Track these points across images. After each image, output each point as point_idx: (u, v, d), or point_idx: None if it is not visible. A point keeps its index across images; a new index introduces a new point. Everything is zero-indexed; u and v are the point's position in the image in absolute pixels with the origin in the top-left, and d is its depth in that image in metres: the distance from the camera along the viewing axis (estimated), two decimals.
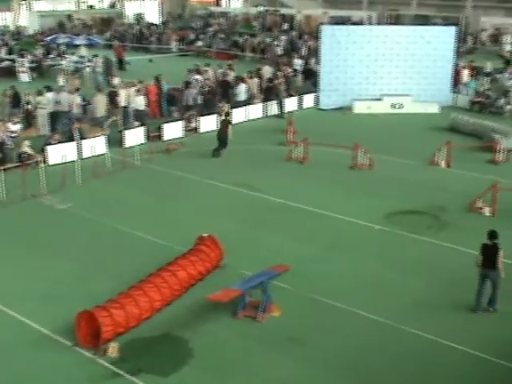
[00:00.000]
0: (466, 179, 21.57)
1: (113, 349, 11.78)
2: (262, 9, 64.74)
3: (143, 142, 25.04)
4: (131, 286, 13.27)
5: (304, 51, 43.50)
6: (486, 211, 18.52)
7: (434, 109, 32.06)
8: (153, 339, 12.32)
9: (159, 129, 26.48)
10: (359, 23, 53.29)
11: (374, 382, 11.23)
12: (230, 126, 24.62)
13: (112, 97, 27.92)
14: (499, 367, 11.62)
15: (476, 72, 35.98)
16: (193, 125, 27.63)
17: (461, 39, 46.04)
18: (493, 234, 13.49)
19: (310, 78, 35.21)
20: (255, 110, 30.47)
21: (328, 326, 12.88)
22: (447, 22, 50.56)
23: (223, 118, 25.30)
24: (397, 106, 32.02)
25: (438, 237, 17.04)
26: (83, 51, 43.10)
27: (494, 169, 22.66)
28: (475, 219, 18.22)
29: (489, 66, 37.17)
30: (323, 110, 32.62)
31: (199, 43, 52.02)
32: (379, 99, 32.40)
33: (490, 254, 13.28)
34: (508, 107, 31.09)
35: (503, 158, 23.51)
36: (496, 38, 54.24)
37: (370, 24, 54.10)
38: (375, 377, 11.34)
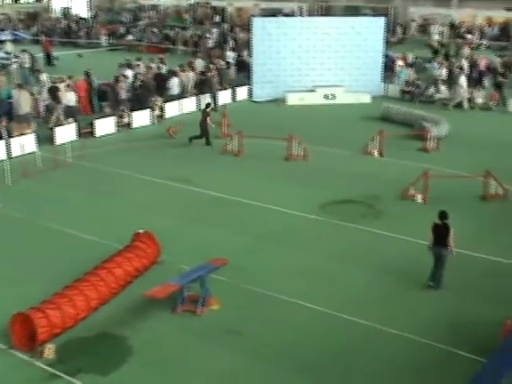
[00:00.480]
0: (398, 167, 22.00)
1: (49, 350, 11.54)
2: (192, 1, 64.34)
3: (75, 138, 24.57)
4: (67, 285, 13.02)
5: (231, 43, 43.43)
6: (418, 198, 18.93)
7: (365, 99, 32.56)
8: (91, 338, 12.14)
9: (91, 125, 26.03)
10: (290, 15, 53.57)
11: (314, 371, 11.34)
12: (208, 118, 24.52)
13: (53, 92, 27.20)
14: (438, 351, 11.87)
15: (407, 62, 36.69)
16: (125, 120, 27.26)
17: (390, 30, 46.91)
18: (443, 215, 13.94)
19: (243, 70, 35.25)
20: (189, 104, 30.29)
21: (267, 317, 12.94)
22: (377, 12, 51.41)
23: (203, 108, 25.31)
24: (329, 97, 32.38)
25: (373, 225, 17.32)
26: (9, 47, 41.93)
27: (425, 157, 23.17)
28: (408, 206, 18.62)
29: (411, 57, 37.85)
30: (257, 102, 32.70)
31: (130, 37, 51.37)
32: (312, 90, 32.70)
33: (441, 234, 13.80)
34: (437, 96, 31.83)
35: (434, 146, 24.06)
36: (424, 28, 55.38)
37: (301, 15, 54.49)
38: (315, 367, 11.45)
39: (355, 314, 12.97)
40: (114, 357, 11.61)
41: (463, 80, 30.18)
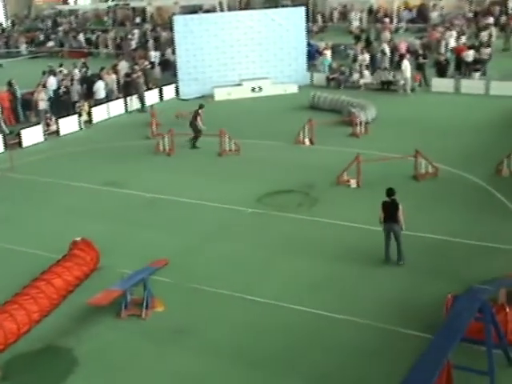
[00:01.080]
0: (330, 154, 22.25)
1: None
2: (111, 4, 63.37)
3: (1, 150, 23.92)
4: (6, 300, 12.67)
5: (154, 43, 43.03)
6: (353, 183, 19.20)
7: (292, 89, 32.79)
8: (35, 353, 11.86)
9: (18, 135, 25.38)
10: (211, 11, 53.42)
11: (266, 364, 11.35)
12: (198, 117, 23.62)
13: None
14: (386, 332, 12.05)
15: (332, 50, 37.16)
16: (53, 128, 26.69)
17: (311, 19, 47.39)
18: (391, 192, 14.31)
19: (168, 69, 34.98)
20: (116, 107, 29.90)
21: (213, 314, 12.91)
22: (296, 3, 51.74)
23: (196, 109, 24.03)
24: (257, 90, 32.48)
25: (310, 213, 17.48)
26: None
27: (355, 142, 23.51)
28: (343, 192, 18.87)
29: (322, 45, 38.18)
30: (185, 100, 32.52)
31: (50, 43, 50.32)
32: (239, 84, 32.74)
33: (390, 210, 14.16)
34: (362, 81, 32.35)
35: (363, 131, 24.45)
36: (344, 15, 56.13)
37: (222, 11, 54.39)
38: (266, 359, 11.46)
39: (301, 302, 13.05)
40: (60, 369, 11.39)
41: (406, 64, 30.48)
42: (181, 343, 12.00)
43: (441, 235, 15.68)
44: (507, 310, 11.21)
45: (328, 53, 35.99)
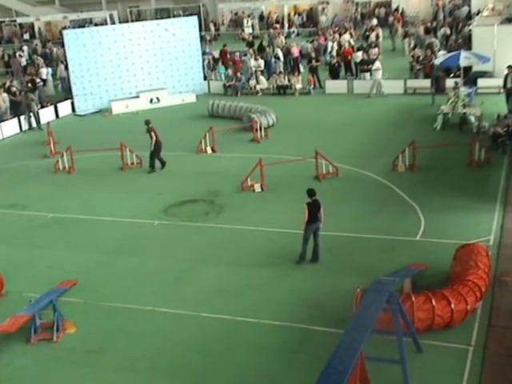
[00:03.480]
0: (233, 161, 22.41)
1: None
2: None
3: None
4: None
5: (42, 59, 41.84)
6: (257, 187, 19.40)
7: (191, 98, 32.81)
8: None
9: None
10: (103, 24, 52.73)
11: (182, 372, 11.30)
12: (153, 133, 22.04)
13: None
14: (298, 330, 12.26)
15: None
16: None
17: (204, 27, 47.58)
18: (312, 192, 14.57)
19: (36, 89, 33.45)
20: (9, 126, 28.94)
21: (127, 330, 12.72)
22: (188, 12, 51.90)
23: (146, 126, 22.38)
24: (154, 101, 32.26)
25: (217, 220, 17.54)
26: None
27: (256, 147, 23.78)
28: (248, 197, 19.03)
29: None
30: (81, 115, 31.90)
31: None
32: (136, 96, 32.42)
33: (314, 210, 14.42)
34: (258, 87, 32.76)
35: (263, 136, 24.75)
36: (236, 22, 56.72)
37: (113, 23, 53.79)
38: (183, 368, 11.42)
39: (215, 310, 13.07)
40: None
41: (378, 65, 30.73)
42: (96, 363, 11.75)
43: (346, 232, 16.10)
44: (413, 298, 11.64)
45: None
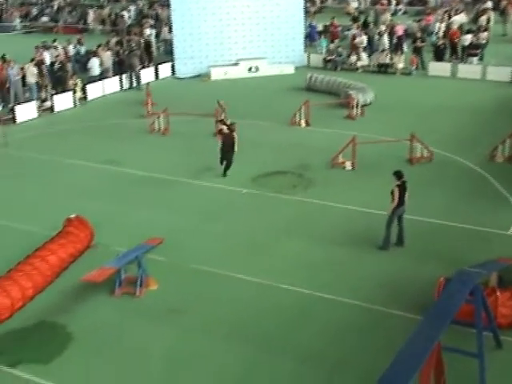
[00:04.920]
0: (325, 136, 22.25)
1: None
2: None
3: None
4: None
5: (151, 20, 42.63)
6: (347, 165, 19.22)
7: (289, 70, 32.68)
8: (29, 328, 11.90)
9: (12, 111, 25.26)
10: None
11: (259, 344, 11.43)
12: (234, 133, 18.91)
13: None
14: (376, 312, 12.16)
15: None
16: (47, 104, 26.57)
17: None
18: (401, 174, 14.23)
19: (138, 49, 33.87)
20: (111, 84, 29.74)
21: (207, 294, 12.96)
22: None
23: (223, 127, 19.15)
24: (253, 70, 32.33)
25: (305, 194, 17.52)
26: None
27: (351, 124, 23.49)
28: (338, 174, 18.89)
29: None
30: (181, 78, 32.39)
31: (44, 19, 49.81)
32: (235, 64, 32.59)
33: (402, 193, 14.18)
34: (359, 63, 32.27)
35: (359, 113, 24.43)
36: None
37: None
38: (260, 339, 11.54)
39: (293, 283, 13.13)
40: (54, 344, 11.44)
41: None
42: (175, 322, 12.05)
43: (434, 219, 15.76)
44: (498, 293, 11.32)
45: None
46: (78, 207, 15.93)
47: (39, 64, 28.21)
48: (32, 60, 28.48)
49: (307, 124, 23.59)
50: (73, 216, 14.83)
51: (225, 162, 18.76)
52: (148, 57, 33.16)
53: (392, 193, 14.13)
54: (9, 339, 11.58)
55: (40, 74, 27.80)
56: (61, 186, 18.60)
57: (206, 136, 22.53)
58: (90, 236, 14.75)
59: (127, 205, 17.13)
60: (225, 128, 18.64)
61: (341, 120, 24.02)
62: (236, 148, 18.53)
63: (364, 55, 32.69)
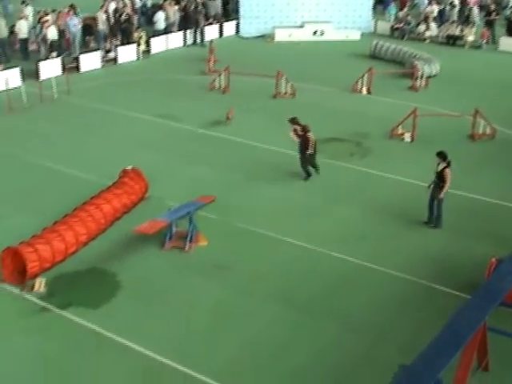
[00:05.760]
0: (387, 106, 21.90)
1: (40, 284, 11.65)
2: None
3: (59, 73, 24.16)
4: (56, 221, 13.03)
5: None
6: (406, 137, 18.92)
7: (355, 36, 32.15)
8: (80, 273, 12.22)
9: (76, 60, 25.60)
10: None
11: (300, 306, 11.51)
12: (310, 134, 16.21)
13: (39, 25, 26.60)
14: (422, 287, 12.07)
15: None
16: (111, 55, 26.82)
17: None
18: (446, 154, 13.69)
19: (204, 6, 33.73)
20: (175, 39, 29.78)
21: (255, 254, 13.06)
22: None
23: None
24: (318, 34, 31.92)
25: (361, 163, 17.36)
26: None
27: (413, 95, 23.05)
28: (396, 145, 18.63)
29: None
30: (244, 38, 32.21)
31: None
32: (301, 26, 32.21)
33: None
34: (428, 33, 31.49)
35: (423, 85, 23.93)
36: None
37: None
38: (301, 302, 11.62)
39: (341, 250, 13.12)
40: (103, 291, 11.73)
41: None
42: (221, 278, 12.20)
43: (490, 198, 15.44)
44: None
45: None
46: (134, 159, 16.15)
47: (107, 14, 28.41)
48: (101, 7, 28.68)
49: (368, 92, 23.25)
50: (129, 167, 15.05)
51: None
52: (224, 12, 33.19)
53: (442, 175, 13.68)
54: (61, 282, 11.92)
55: (108, 23, 28.03)
56: (119, 136, 18.85)
57: (266, 97, 22.45)
58: (144, 188, 14.96)
59: (183, 160, 17.27)
60: (298, 129, 16.26)
61: (403, 90, 23.59)
62: (310, 150, 16.04)
63: (433, 25, 31.86)
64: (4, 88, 21.29)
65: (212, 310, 11.34)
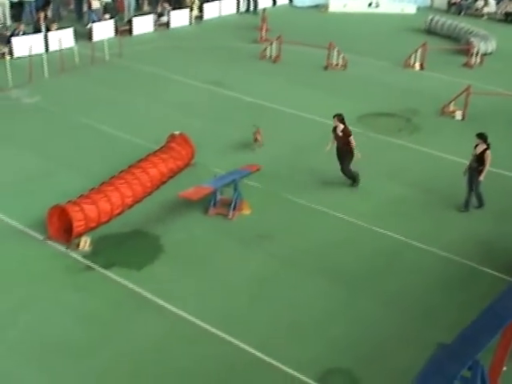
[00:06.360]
0: (439, 82, 21.49)
1: (85, 243, 11.85)
2: None
3: (112, 35, 24.30)
4: (102, 182, 13.20)
5: None
6: (458, 115, 18.56)
7: (410, 9, 31.54)
8: (124, 235, 12.39)
9: (129, 23, 25.70)
10: None
11: (342, 279, 11.48)
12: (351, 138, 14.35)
13: None
14: (466, 267, 11.93)
15: None
16: (164, 19, 26.84)
17: None
18: (487, 136, 13.37)
19: None
20: (228, 6, 29.62)
21: (297, 225, 13.04)
22: None
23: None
24: (373, 5, 31.39)
25: (410, 139, 17.11)
26: None
27: (467, 72, 22.56)
28: (447, 122, 18.30)
29: None
30: (297, 7, 31.85)
31: None
32: None
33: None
34: (485, 9, 30.69)
35: (477, 62, 23.38)
36: None
37: None
38: (343, 275, 11.59)
39: (385, 226, 13.00)
40: (146, 253, 11.88)
41: None
42: (263, 247, 12.23)
43: None
44: None
45: None
46: (182, 124, 16.22)
47: None
48: None
49: (421, 68, 22.83)
50: (177, 133, 15.10)
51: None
52: None
53: (482, 157, 13.31)
54: (105, 242, 12.10)
55: None
56: (168, 101, 18.92)
57: (317, 68, 22.24)
58: (190, 154, 15.02)
59: (230, 128, 17.26)
60: (340, 126, 14.31)
61: (457, 67, 23.10)
62: (358, 155, 14.22)
63: (492, 1, 31.02)
64: (57, 48, 21.54)
65: (252, 277, 11.39)
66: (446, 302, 10.96)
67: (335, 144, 14.42)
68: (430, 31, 27.42)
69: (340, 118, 14.31)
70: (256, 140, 15.18)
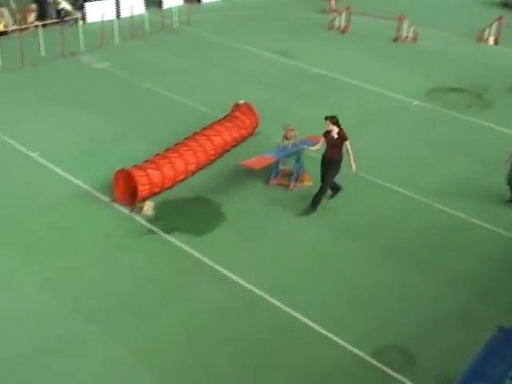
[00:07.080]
0: None
1: (148, 207, 12.09)
2: None
3: (181, 3, 24.42)
4: (167, 148, 13.39)
5: None
6: None
7: None
8: (187, 201, 12.58)
9: None
10: None
11: (397, 251, 11.39)
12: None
13: None
14: None
15: None
16: None
17: None
18: None
19: None
20: None
21: (360, 200, 12.95)
22: None
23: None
24: None
25: (479, 116, 16.70)
26: None
27: None
28: None
29: None
30: None
31: None
32: None
33: None
34: None
35: None
36: None
37: None
38: (401, 251, 11.47)
39: (450, 204, 12.76)
40: (207, 220, 12.04)
41: None
42: (322, 219, 12.22)
43: None
44: None
45: None
46: (247, 93, 16.24)
47: None
48: None
49: (496, 42, 22.16)
50: (242, 102, 15.14)
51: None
52: None
53: None
54: (168, 208, 12.32)
55: None
56: (234, 70, 18.97)
57: (386, 40, 21.87)
58: (255, 124, 15.05)
59: (294, 98, 17.20)
60: (335, 130, 12.51)
61: None
62: (353, 166, 12.40)
63: None
64: (128, 14, 21.80)
65: (311, 249, 11.42)
66: (508, 284, 10.75)
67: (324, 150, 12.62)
68: (507, 4, 26.49)
69: (334, 121, 12.49)
70: (286, 138, 14.11)
